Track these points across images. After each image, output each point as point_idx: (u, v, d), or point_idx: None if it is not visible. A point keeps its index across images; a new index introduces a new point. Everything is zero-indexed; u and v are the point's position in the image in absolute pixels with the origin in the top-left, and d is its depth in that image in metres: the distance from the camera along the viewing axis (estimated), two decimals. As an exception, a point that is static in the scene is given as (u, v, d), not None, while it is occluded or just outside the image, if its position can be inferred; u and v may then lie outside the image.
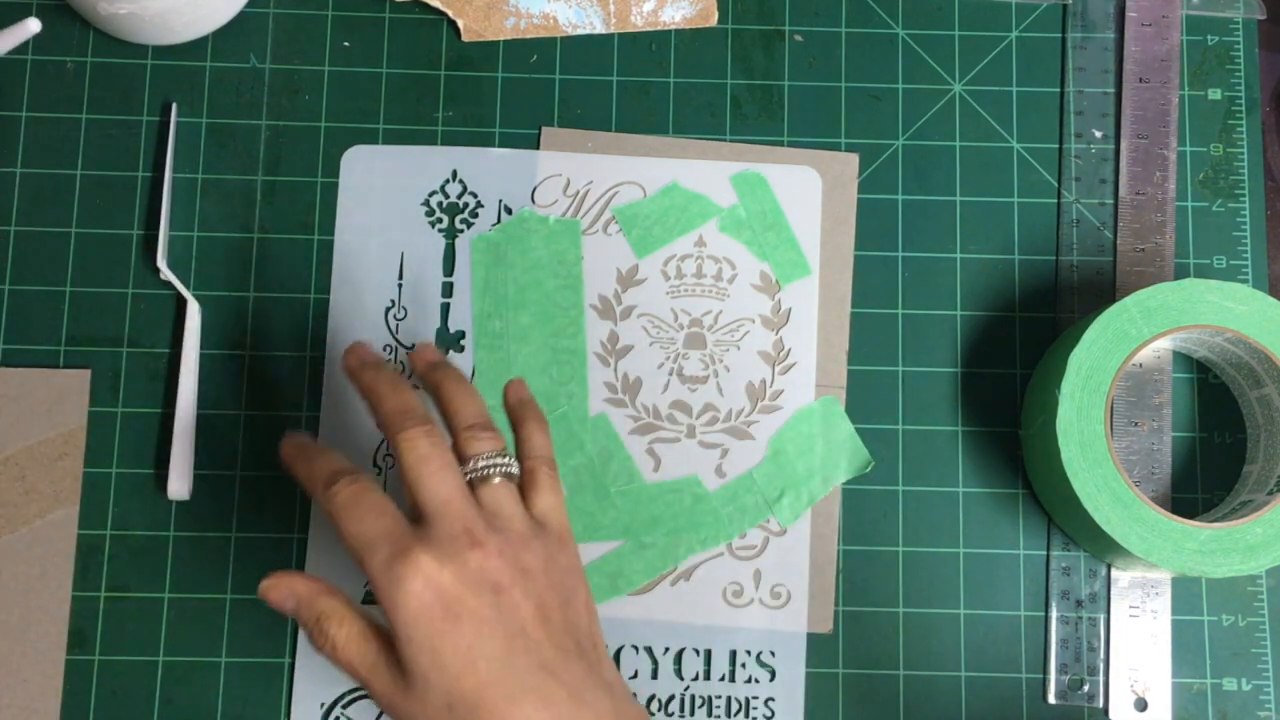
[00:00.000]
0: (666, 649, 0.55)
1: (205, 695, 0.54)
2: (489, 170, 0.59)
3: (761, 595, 0.56)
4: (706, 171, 0.59)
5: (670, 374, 0.57)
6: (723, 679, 0.55)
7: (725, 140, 0.59)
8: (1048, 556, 0.56)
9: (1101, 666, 0.55)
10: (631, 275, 0.58)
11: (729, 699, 0.55)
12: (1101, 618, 0.56)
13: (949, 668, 0.55)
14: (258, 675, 0.55)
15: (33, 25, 0.51)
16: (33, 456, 0.56)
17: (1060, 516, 0.56)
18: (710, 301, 0.58)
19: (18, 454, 0.56)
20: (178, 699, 0.54)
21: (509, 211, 0.59)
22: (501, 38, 0.60)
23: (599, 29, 0.60)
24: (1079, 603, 0.56)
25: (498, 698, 0.41)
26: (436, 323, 0.58)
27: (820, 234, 0.59)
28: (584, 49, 0.60)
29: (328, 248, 0.58)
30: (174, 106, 0.59)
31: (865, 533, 0.56)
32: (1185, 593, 0.56)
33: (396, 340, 0.57)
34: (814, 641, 0.55)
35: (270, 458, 0.56)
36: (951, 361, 0.58)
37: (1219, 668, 0.55)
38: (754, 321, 0.58)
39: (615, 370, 0.57)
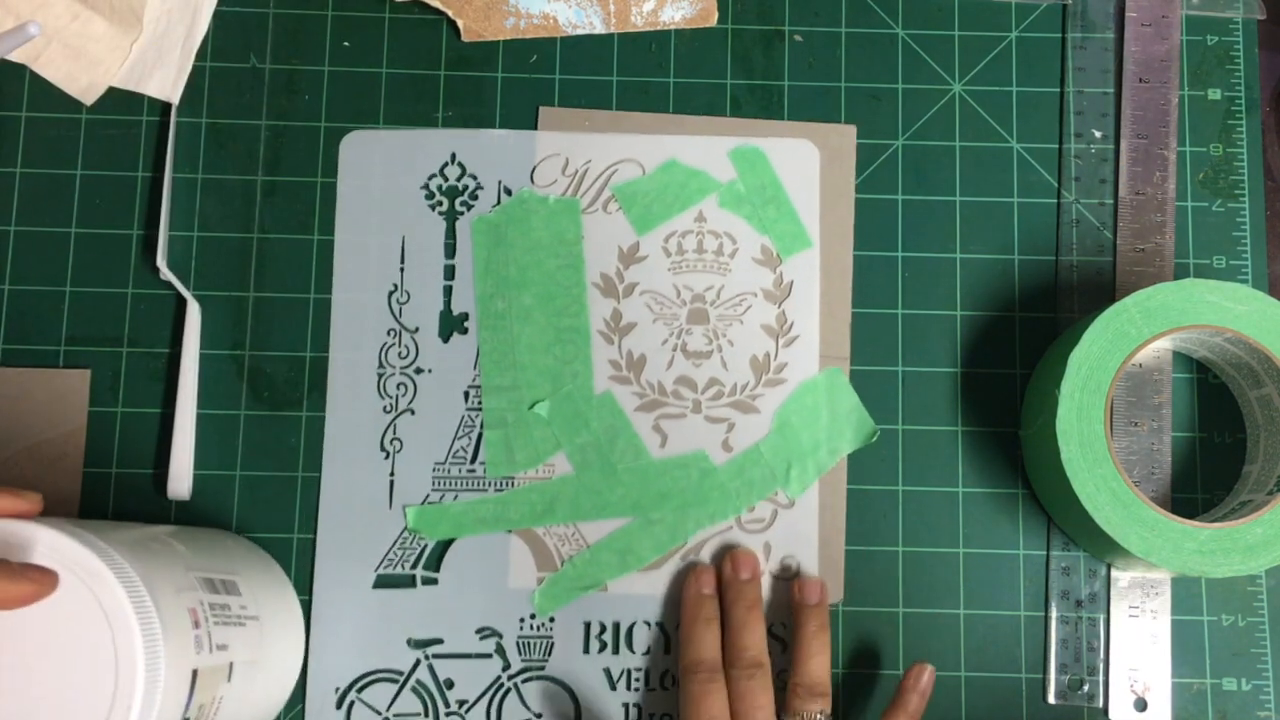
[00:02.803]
0: (678, 624, 0.56)
1: (205, 695, 0.55)
2: (487, 152, 0.59)
3: (771, 567, 0.56)
4: (704, 147, 0.59)
5: (674, 350, 0.58)
6: None
7: (724, 117, 0.59)
8: (1048, 556, 0.56)
9: (1101, 666, 0.55)
10: (633, 253, 0.58)
11: None
12: (1101, 618, 0.56)
13: (949, 668, 0.55)
14: (258, 675, 0.55)
15: (33, 29, 0.51)
16: (33, 456, 0.56)
17: (1060, 516, 0.56)
18: (712, 277, 0.58)
19: (18, 454, 0.56)
20: None
21: (508, 193, 0.59)
22: (501, 38, 0.60)
23: (599, 29, 0.60)
24: (1079, 603, 0.56)
25: None
26: (440, 305, 0.58)
27: (820, 206, 0.59)
28: (584, 49, 0.60)
29: (328, 247, 0.58)
30: (174, 106, 0.59)
31: (865, 533, 0.56)
32: (1185, 593, 0.56)
33: (400, 324, 0.57)
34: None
35: (271, 458, 0.56)
36: (951, 361, 0.58)
37: (1219, 668, 0.55)
38: (756, 295, 0.58)
39: (619, 348, 0.58)
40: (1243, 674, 0.55)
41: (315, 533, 0.56)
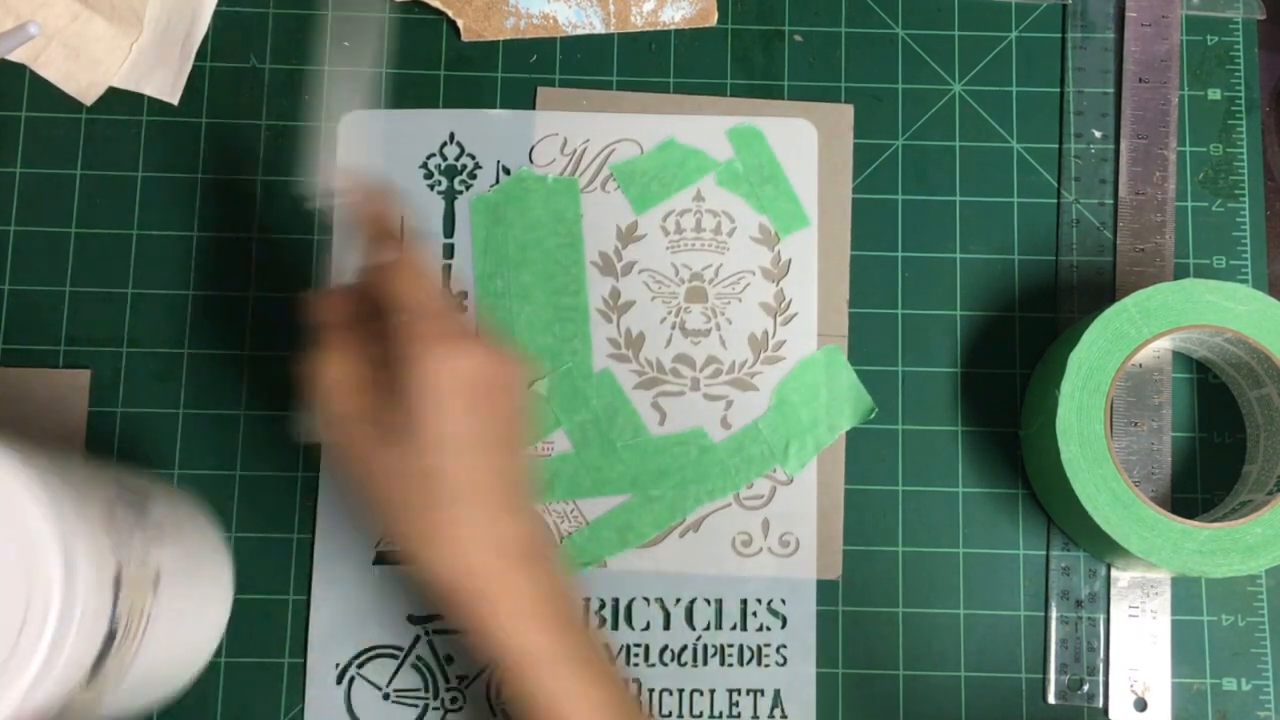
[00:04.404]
0: (678, 600, 0.56)
1: (205, 695, 0.54)
2: (486, 131, 0.59)
3: (770, 544, 0.56)
4: (702, 126, 0.59)
5: (673, 328, 0.58)
6: (734, 628, 0.56)
7: (722, 96, 0.60)
8: (1047, 556, 0.56)
9: (1101, 666, 0.55)
10: (631, 231, 0.59)
11: (741, 647, 0.55)
12: (1101, 618, 0.56)
13: (949, 668, 0.55)
14: (258, 675, 0.55)
15: (33, 29, 0.51)
16: (33, 457, 0.56)
17: (1060, 516, 0.56)
18: (710, 255, 0.58)
19: (18, 454, 0.56)
20: (177, 698, 0.54)
21: (507, 172, 0.59)
22: (501, 38, 0.60)
23: (599, 29, 0.60)
24: (1079, 603, 0.56)
25: (459, 469, 0.44)
26: (439, 284, 0.58)
27: (817, 185, 0.59)
28: (584, 49, 0.60)
29: (328, 247, 0.58)
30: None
31: (865, 533, 0.56)
32: (1185, 593, 0.56)
33: None
34: (823, 588, 0.56)
35: (270, 459, 0.56)
36: (951, 361, 0.58)
37: (1219, 668, 0.55)
38: (754, 274, 0.58)
39: (618, 326, 0.58)
40: (1243, 674, 0.55)
41: (315, 510, 0.56)
